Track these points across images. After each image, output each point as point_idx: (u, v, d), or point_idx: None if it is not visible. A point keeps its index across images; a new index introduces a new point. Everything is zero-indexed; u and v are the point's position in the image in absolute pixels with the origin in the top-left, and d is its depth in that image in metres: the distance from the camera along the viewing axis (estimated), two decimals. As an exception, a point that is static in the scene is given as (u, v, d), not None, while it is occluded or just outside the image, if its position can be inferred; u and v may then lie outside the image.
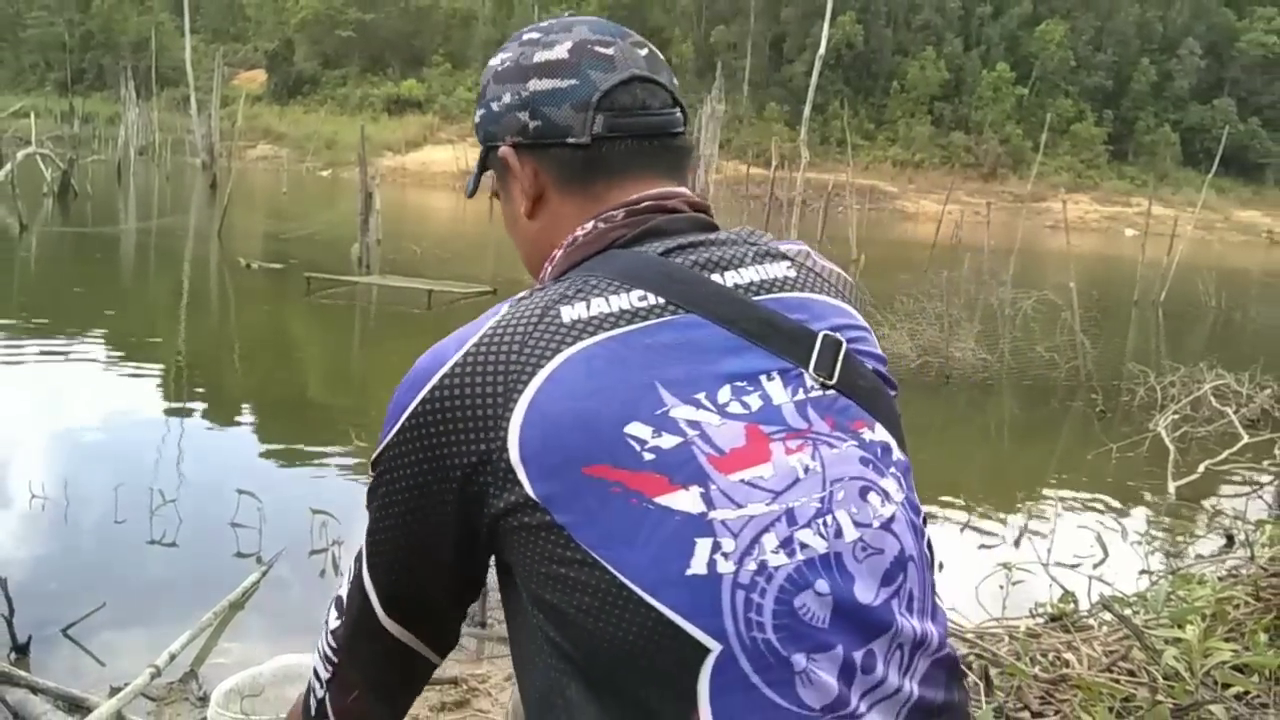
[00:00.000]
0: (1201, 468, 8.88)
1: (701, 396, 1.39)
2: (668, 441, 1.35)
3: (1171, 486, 8.38)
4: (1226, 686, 3.48)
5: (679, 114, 1.65)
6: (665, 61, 1.69)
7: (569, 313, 1.43)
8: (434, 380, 1.42)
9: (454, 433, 1.40)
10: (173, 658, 4.23)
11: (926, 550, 1.53)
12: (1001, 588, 5.79)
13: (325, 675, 1.60)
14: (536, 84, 1.58)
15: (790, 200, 26.75)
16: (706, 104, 43.89)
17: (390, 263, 19.82)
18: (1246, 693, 3.47)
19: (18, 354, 10.88)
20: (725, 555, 1.32)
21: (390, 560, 1.51)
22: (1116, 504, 8.27)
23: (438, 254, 23.19)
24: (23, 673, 4.03)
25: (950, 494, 8.11)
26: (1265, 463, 9.17)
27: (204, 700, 4.02)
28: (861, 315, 1.64)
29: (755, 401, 1.42)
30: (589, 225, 1.58)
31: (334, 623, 1.58)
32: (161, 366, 10.98)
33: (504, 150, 1.62)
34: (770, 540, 1.34)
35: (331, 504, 6.45)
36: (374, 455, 1.49)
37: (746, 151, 68.41)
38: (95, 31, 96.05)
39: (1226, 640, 3.74)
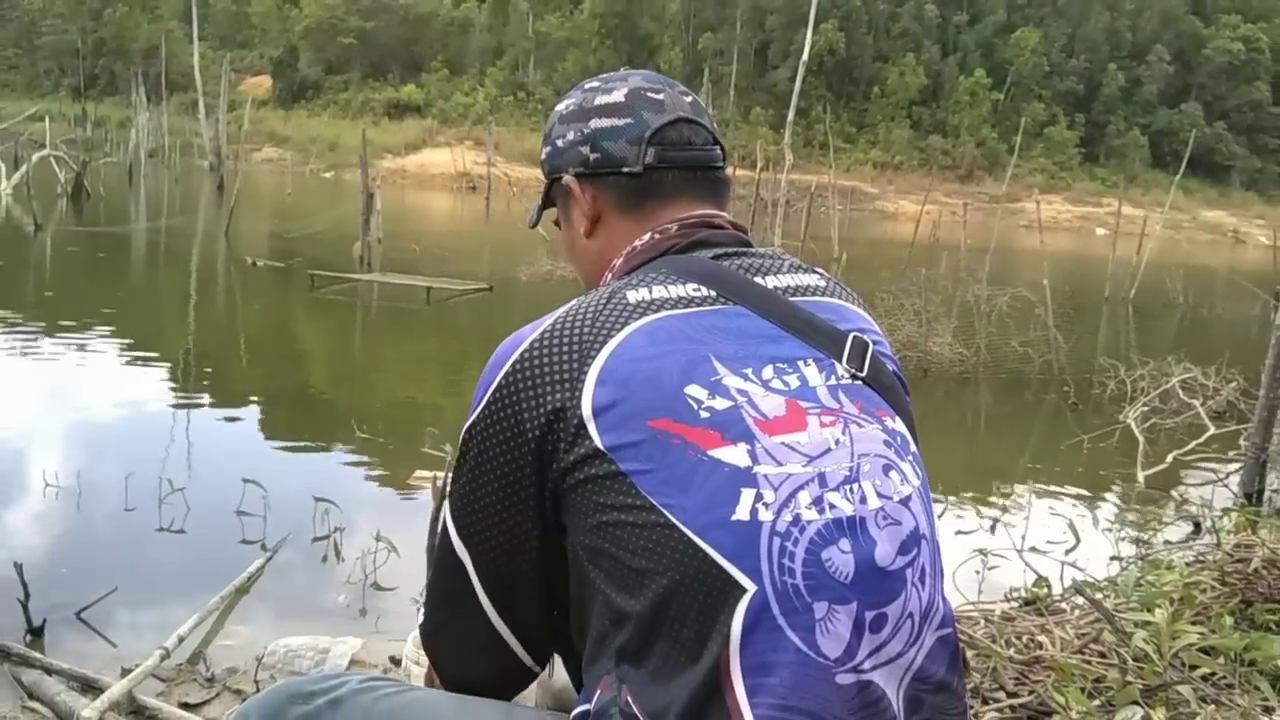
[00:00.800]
0: (1170, 458, 8.89)
1: (749, 371, 1.53)
2: (720, 404, 1.48)
3: (1141, 476, 8.40)
4: (1194, 668, 3.48)
5: (719, 151, 1.85)
6: (703, 108, 1.87)
7: (634, 295, 1.59)
8: (514, 357, 1.56)
9: (532, 397, 1.53)
10: (181, 640, 4.22)
11: (937, 537, 1.62)
12: (978, 573, 5.79)
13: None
14: (597, 122, 1.79)
15: (775, 201, 26.73)
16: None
17: (391, 261, 19.79)
18: (1213, 674, 3.47)
19: (33, 346, 10.87)
20: (766, 505, 1.43)
21: (480, 531, 1.62)
22: (1088, 492, 8.28)
23: (436, 252, 23.17)
24: (37, 654, 4.01)
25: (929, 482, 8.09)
26: (1231, 453, 9.17)
27: (211, 680, 4.02)
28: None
29: (794, 381, 1.55)
30: (646, 236, 1.76)
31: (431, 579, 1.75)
32: (170, 359, 10.96)
33: (567, 179, 1.83)
34: (804, 497, 1.45)
35: (334, 492, 6.43)
36: (462, 432, 1.62)
37: (733, 154, 68.14)
38: (107, 39, 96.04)
39: (1194, 623, 3.74)
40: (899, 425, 1.62)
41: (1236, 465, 8.33)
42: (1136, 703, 3.23)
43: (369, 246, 19.43)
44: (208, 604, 4.68)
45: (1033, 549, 6.41)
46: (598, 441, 1.46)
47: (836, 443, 1.51)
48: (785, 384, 1.53)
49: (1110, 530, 7.29)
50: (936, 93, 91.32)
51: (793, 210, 29.98)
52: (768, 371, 1.53)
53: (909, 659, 1.49)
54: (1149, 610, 3.76)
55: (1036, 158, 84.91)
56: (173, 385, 9.93)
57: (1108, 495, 8.23)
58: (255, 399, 9.76)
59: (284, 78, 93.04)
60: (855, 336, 1.63)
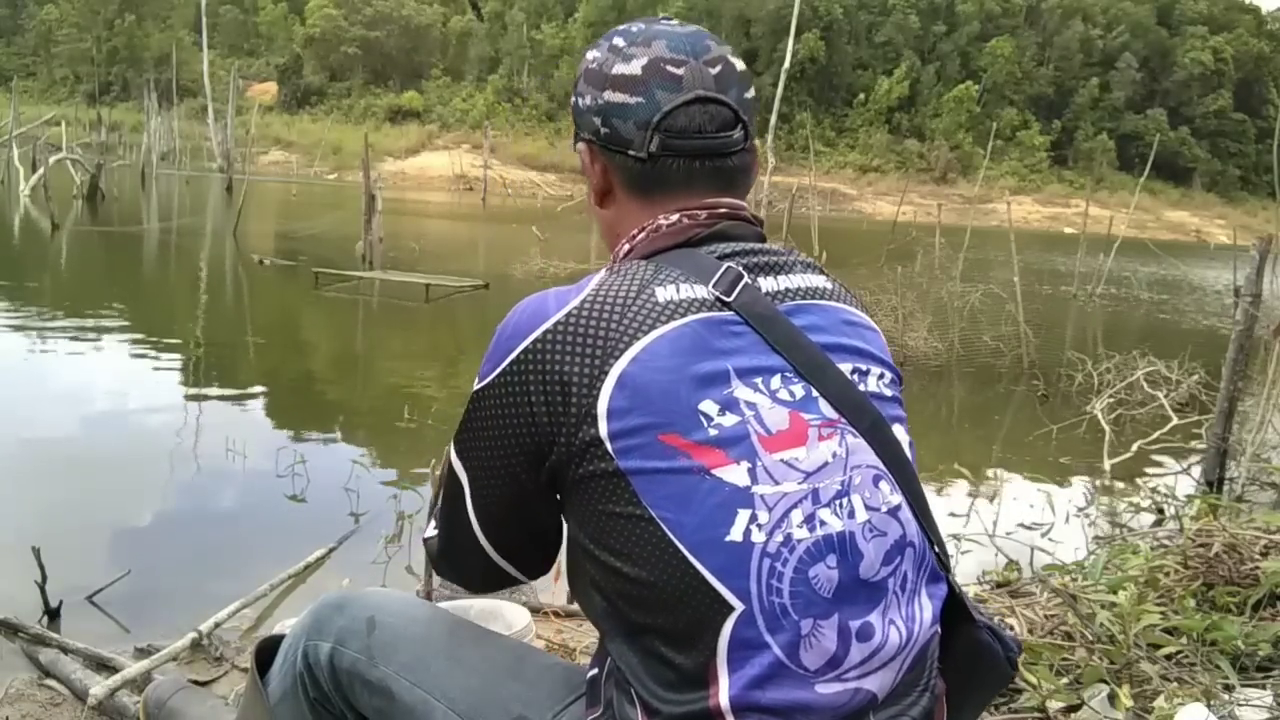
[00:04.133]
0: (1135, 447, 8.90)
1: (759, 381, 1.51)
2: (729, 419, 1.47)
3: (1107, 464, 8.39)
4: (1158, 647, 3.49)
5: (737, 134, 1.69)
6: (740, 74, 1.72)
7: (663, 294, 1.54)
8: (537, 333, 1.53)
9: (549, 380, 1.50)
10: (217, 625, 4.19)
11: (927, 534, 1.62)
12: (951, 556, 5.79)
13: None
14: (610, 95, 1.67)
15: (758, 201, 26.72)
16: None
17: (391, 259, 19.74)
18: (1177, 653, 3.48)
19: (51, 339, 10.85)
20: (759, 526, 1.44)
21: (477, 478, 1.66)
22: (1057, 480, 8.28)
23: (435, 251, 23.14)
24: (54, 634, 4.01)
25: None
26: (1193, 442, 9.20)
27: (220, 660, 4.00)
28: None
29: (799, 390, 1.53)
30: (674, 217, 1.67)
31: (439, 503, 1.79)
32: (182, 352, 10.91)
33: (581, 145, 1.75)
34: (797, 515, 1.46)
35: (352, 483, 6.44)
36: (474, 390, 1.61)
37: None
38: (120, 47, 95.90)
39: (1158, 605, 3.75)
40: (893, 434, 1.63)
41: (1198, 455, 8.35)
42: (1104, 681, 3.24)
43: (371, 245, 19.39)
44: (255, 590, 4.63)
45: (1004, 534, 6.41)
46: (607, 444, 1.46)
47: (834, 455, 1.51)
48: (791, 394, 1.52)
49: (1078, 516, 7.29)
50: (914, 99, 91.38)
51: (775, 210, 30.04)
52: (775, 381, 1.52)
53: (899, 660, 1.52)
54: (1115, 593, 3.76)
55: (1009, 161, 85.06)
56: (184, 377, 9.90)
57: (1076, 483, 8.23)
58: (263, 389, 9.73)
59: (289, 84, 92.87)
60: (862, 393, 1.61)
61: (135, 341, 11.37)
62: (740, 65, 1.72)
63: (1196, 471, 7.96)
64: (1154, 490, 7.81)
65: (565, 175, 69.17)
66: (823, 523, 1.47)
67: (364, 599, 1.91)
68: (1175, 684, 3.29)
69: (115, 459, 7.09)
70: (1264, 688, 3.31)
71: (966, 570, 5.49)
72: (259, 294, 16.86)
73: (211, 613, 4.22)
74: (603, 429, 1.46)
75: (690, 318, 1.51)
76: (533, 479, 1.58)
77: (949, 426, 10.73)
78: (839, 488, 1.50)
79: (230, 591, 4.54)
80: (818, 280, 1.69)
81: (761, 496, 1.45)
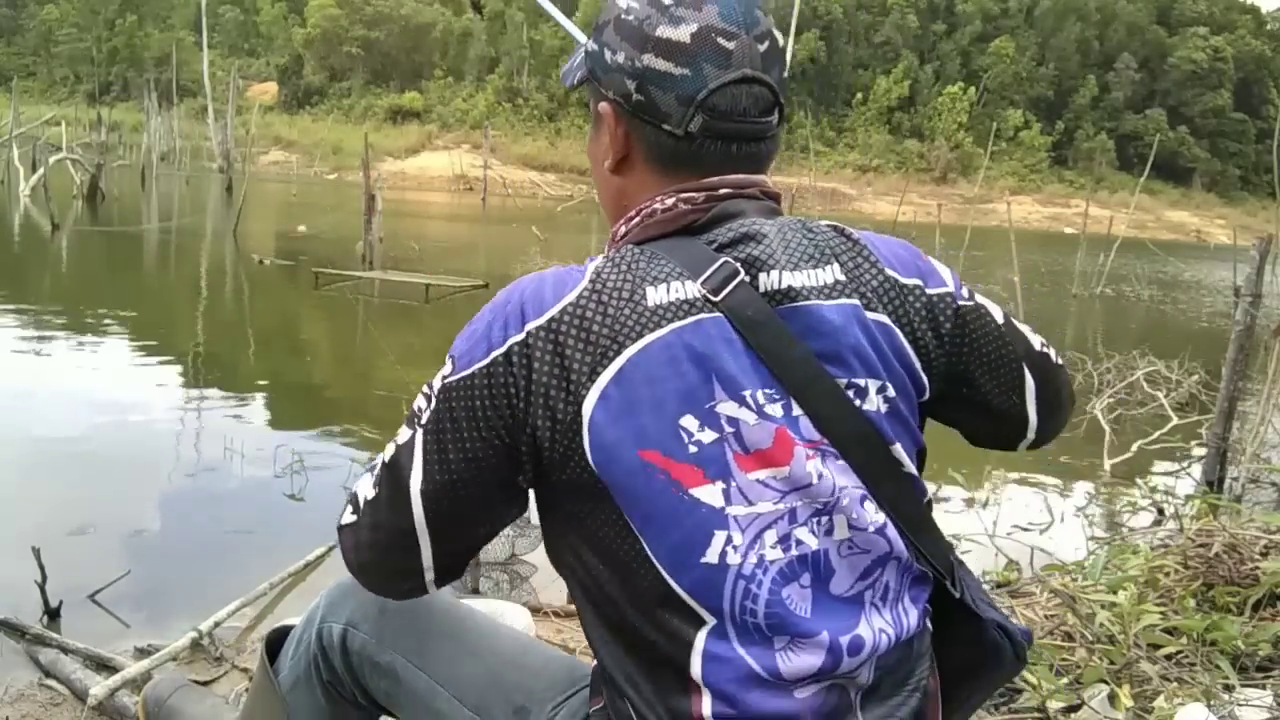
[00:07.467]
0: (1135, 447, 8.89)
1: (746, 394, 1.44)
2: (708, 436, 1.41)
3: (1107, 464, 8.39)
4: (1158, 647, 3.49)
5: (774, 119, 1.59)
6: (781, 52, 1.61)
7: (654, 296, 1.45)
8: (531, 326, 1.45)
9: (535, 382, 1.43)
10: (217, 624, 4.19)
11: (913, 550, 1.58)
12: (957, 564, 5.78)
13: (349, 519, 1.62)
14: (651, 60, 1.51)
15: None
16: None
17: (391, 259, 19.74)
18: (1177, 653, 3.48)
19: (51, 340, 10.83)
20: (734, 548, 1.42)
21: (435, 472, 1.51)
22: (1057, 480, 8.27)
23: (435, 251, 23.12)
24: (54, 634, 4.01)
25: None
26: (1193, 443, 9.19)
27: (219, 660, 4.00)
28: (923, 277, 1.65)
29: (779, 410, 1.46)
30: (669, 201, 1.56)
31: (369, 490, 1.60)
32: (182, 352, 10.91)
33: (604, 106, 1.59)
34: (770, 536, 1.44)
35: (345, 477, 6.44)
36: (451, 377, 1.50)
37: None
38: (120, 47, 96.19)
39: (1158, 605, 3.75)
40: (889, 453, 1.56)
41: (1199, 454, 8.35)
42: (1104, 681, 3.24)
43: (371, 245, 19.41)
44: (255, 590, 4.63)
45: (1005, 534, 6.41)
46: (589, 455, 1.41)
47: (820, 476, 1.46)
48: (773, 412, 1.45)
49: (1078, 516, 7.29)
50: (914, 99, 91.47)
51: (775, 211, 30.01)
52: (760, 396, 1.44)
53: (876, 661, 1.51)
54: (1115, 593, 3.77)
55: (1008, 160, 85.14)
56: (183, 376, 9.89)
57: (1076, 483, 8.23)
58: (263, 388, 9.73)
59: (289, 84, 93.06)
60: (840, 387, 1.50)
61: (135, 341, 11.35)
62: (782, 41, 1.61)
63: (1196, 471, 7.95)
64: (1154, 490, 7.80)
65: (565, 175, 69.32)
66: (799, 542, 1.45)
67: None
68: (1175, 684, 3.29)
69: (115, 458, 7.08)
70: (1264, 688, 3.31)
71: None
72: (259, 294, 16.85)
73: (211, 612, 4.23)
74: (586, 439, 1.41)
75: (678, 324, 1.43)
76: (500, 478, 1.50)
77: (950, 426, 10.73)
78: (822, 506, 1.47)
79: (230, 590, 4.54)
80: (826, 274, 1.53)
81: (735, 518, 1.42)
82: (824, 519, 1.47)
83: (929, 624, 1.65)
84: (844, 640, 1.46)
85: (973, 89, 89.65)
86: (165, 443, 7.39)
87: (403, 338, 13.95)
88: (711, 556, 1.41)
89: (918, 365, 1.60)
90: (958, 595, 1.69)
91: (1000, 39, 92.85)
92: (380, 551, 1.58)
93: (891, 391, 1.55)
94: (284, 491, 6.41)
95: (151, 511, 6.11)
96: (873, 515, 1.51)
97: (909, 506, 1.57)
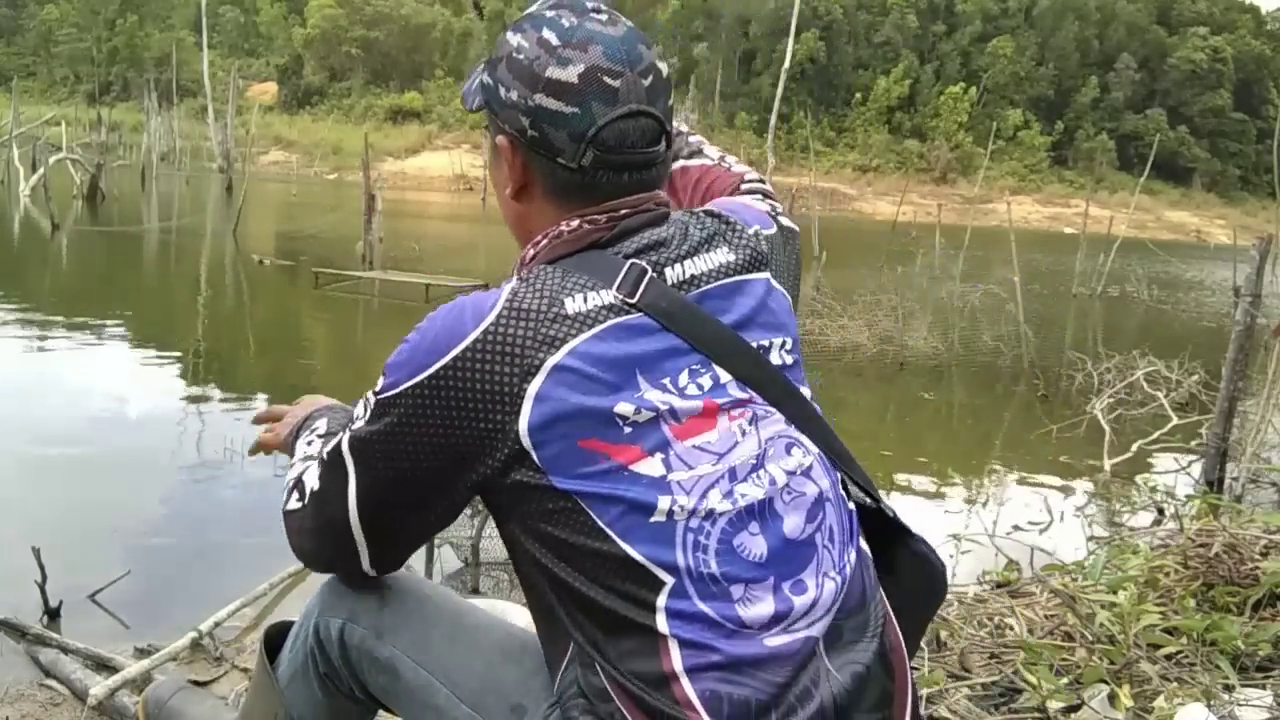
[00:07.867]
0: (1134, 447, 8.90)
1: (667, 381, 1.56)
2: (643, 417, 1.52)
3: (1107, 464, 8.40)
4: (1158, 647, 3.49)
5: (661, 146, 1.70)
6: (666, 81, 1.71)
7: (571, 305, 1.55)
8: (456, 351, 1.54)
9: (471, 403, 1.53)
10: (217, 624, 4.20)
11: (843, 490, 1.73)
12: (951, 557, 5.79)
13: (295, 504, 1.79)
14: (542, 100, 1.61)
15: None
16: (680, 114, 43.98)
17: (391, 259, 19.75)
18: (1177, 653, 3.48)
19: (51, 338, 10.84)
20: (681, 508, 1.52)
21: (371, 467, 1.64)
22: (1057, 480, 8.28)
23: (434, 251, 23.15)
24: (54, 634, 4.01)
25: (904, 471, 8.10)
26: (1193, 443, 9.18)
27: (219, 660, 4.00)
28: (784, 250, 1.83)
29: (707, 381, 1.58)
30: (574, 223, 1.65)
31: (314, 481, 1.75)
32: (182, 351, 10.92)
33: (502, 140, 1.68)
34: (715, 494, 1.53)
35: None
36: (383, 395, 1.61)
37: (719, 157, 68.58)
38: (121, 47, 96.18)
39: (1158, 605, 3.75)
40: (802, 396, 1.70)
41: (1198, 454, 8.35)
42: (1104, 681, 3.24)
43: (371, 245, 19.43)
44: (255, 590, 4.63)
45: (1005, 534, 6.41)
46: (533, 455, 1.51)
47: (743, 433, 1.58)
48: (699, 387, 1.57)
49: (1078, 516, 7.29)
50: (914, 99, 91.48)
51: (775, 211, 29.99)
52: (684, 378, 1.57)
53: (837, 605, 1.61)
54: (1115, 593, 3.76)
55: (1008, 160, 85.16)
56: (183, 376, 9.91)
57: (1076, 483, 8.23)
58: (263, 388, 9.74)
59: (289, 84, 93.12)
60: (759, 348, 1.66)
61: (135, 342, 11.38)
62: (666, 71, 1.71)
63: (1196, 471, 7.96)
64: (1154, 490, 7.80)
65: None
66: (744, 495, 1.55)
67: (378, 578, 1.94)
68: (1175, 684, 3.28)
69: (115, 459, 7.09)
70: (1264, 688, 3.31)
71: (967, 570, 5.50)
72: (259, 294, 16.87)
73: (211, 612, 4.23)
74: (526, 442, 1.50)
75: (598, 327, 1.54)
76: (435, 487, 1.62)
77: (949, 426, 10.74)
78: (754, 460, 1.57)
79: (230, 590, 4.55)
80: (719, 256, 1.69)
81: (679, 483, 1.52)
82: (761, 472, 1.58)
83: (869, 551, 1.76)
84: (787, 584, 1.56)
85: (973, 89, 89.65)
86: (165, 443, 7.40)
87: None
88: (659, 518, 1.51)
89: (792, 308, 1.79)
90: (890, 515, 1.83)
91: (1000, 39, 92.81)
92: (319, 540, 1.76)
93: (789, 344, 1.71)
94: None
95: (152, 511, 6.11)
96: (801, 459, 1.63)
97: (832, 442, 1.71)
